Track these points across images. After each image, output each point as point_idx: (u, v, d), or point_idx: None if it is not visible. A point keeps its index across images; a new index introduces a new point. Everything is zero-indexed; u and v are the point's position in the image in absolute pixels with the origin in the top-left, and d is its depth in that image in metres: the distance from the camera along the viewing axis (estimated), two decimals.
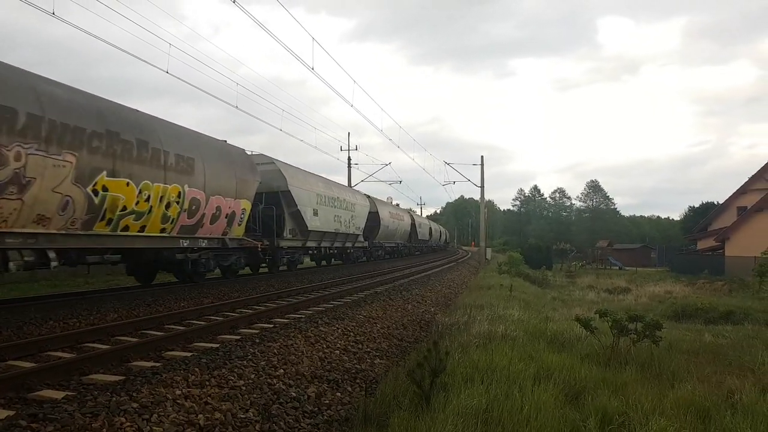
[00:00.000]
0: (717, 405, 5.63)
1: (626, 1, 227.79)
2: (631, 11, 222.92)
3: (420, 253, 53.30)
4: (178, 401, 4.93)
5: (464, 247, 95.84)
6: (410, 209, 51.05)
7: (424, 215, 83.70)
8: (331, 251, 26.35)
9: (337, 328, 9.15)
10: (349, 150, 42.87)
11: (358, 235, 28.23)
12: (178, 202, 12.47)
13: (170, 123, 13.38)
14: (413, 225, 47.09)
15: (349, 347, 8.23)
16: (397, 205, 51.59)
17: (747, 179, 42.21)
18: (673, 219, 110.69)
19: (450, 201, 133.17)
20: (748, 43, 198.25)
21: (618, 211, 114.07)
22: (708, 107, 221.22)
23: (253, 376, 6.04)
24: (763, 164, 41.02)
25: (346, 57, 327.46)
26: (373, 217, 32.08)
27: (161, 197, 11.88)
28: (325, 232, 22.97)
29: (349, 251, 28.38)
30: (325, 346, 7.96)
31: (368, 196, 32.67)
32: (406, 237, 43.84)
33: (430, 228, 61.32)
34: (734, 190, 43.74)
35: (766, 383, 6.59)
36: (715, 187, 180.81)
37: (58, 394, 4.91)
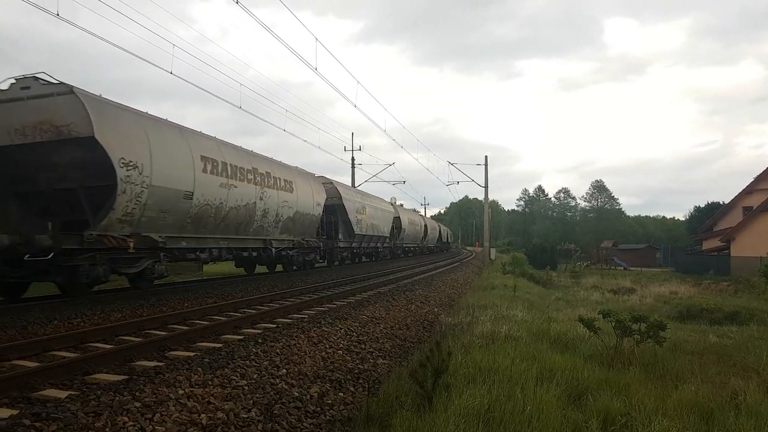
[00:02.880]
0: (721, 406, 5.60)
1: (631, 2, 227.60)
2: (636, 12, 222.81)
3: (373, 261, 32.75)
4: (181, 401, 4.95)
5: (468, 248, 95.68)
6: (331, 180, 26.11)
7: (428, 215, 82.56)
8: None
9: (340, 328, 9.16)
10: (353, 150, 42.76)
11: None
12: None
13: None
14: (341, 208, 25.56)
15: (352, 347, 8.23)
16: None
17: (753, 179, 42.05)
18: (678, 219, 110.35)
19: (454, 201, 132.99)
20: (754, 43, 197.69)
21: (623, 211, 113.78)
22: (714, 107, 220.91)
23: (255, 375, 6.05)
24: None
25: (352, 58, 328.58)
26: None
27: None
28: None
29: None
30: (327, 346, 7.97)
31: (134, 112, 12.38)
32: (312, 229, 21.66)
33: (398, 218, 37.41)
34: (740, 190, 43.57)
35: None
36: (720, 187, 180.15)
37: (62, 394, 4.93)
